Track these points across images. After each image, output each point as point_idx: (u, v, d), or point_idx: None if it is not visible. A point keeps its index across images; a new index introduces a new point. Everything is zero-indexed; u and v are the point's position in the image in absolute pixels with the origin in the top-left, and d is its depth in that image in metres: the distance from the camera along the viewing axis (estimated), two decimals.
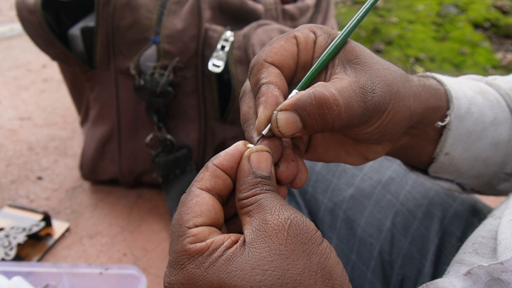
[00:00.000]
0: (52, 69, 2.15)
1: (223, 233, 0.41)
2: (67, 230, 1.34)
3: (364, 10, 0.49)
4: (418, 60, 2.46)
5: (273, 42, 0.47)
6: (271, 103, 0.43)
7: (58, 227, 1.34)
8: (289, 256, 0.37)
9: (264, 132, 0.44)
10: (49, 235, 1.31)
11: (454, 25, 2.69)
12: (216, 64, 1.18)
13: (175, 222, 0.40)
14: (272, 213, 0.39)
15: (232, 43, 1.19)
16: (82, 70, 1.31)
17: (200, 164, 1.36)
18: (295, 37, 0.47)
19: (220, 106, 1.26)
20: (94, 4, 1.22)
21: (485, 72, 2.34)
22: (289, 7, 1.38)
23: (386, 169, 0.81)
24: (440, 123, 0.55)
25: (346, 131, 0.49)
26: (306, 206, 0.84)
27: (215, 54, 1.19)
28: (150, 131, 1.31)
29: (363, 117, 0.45)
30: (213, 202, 0.41)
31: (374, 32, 2.60)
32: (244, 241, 0.39)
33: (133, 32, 1.21)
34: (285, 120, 0.43)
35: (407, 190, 0.78)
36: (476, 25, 2.70)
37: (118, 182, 1.47)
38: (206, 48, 1.21)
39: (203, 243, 0.38)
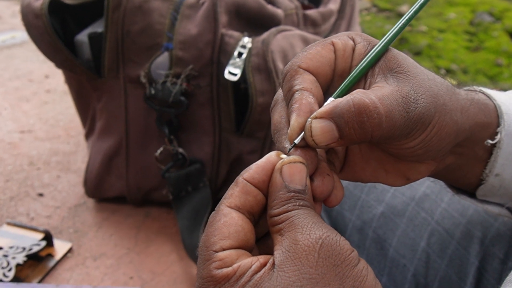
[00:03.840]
0: (55, 80, 2.18)
1: (254, 254, 0.41)
2: (70, 250, 1.35)
3: (408, 17, 0.50)
4: (449, 72, 2.46)
5: (309, 48, 0.48)
6: (304, 110, 0.44)
7: (60, 247, 1.34)
8: (320, 280, 0.37)
9: (296, 141, 0.44)
10: (50, 255, 1.31)
11: (488, 34, 2.68)
12: (232, 72, 1.19)
13: (202, 245, 0.41)
14: (303, 232, 0.39)
15: (250, 49, 1.20)
16: (89, 79, 1.33)
17: (214, 180, 1.36)
18: (333, 44, 0.48)
19: (236, 117, 1.27)
20: (102, 9, 1.24)
21: None
22: (311, 12, 1.39)
23: (420, 184, 0.80)
24: (490, 141, 0.55)
25: (386, 145, 0.49)
26: (332, 224, 0.83)
27: (231, 61, 1.20)
28: (161, 144, 1.32)
29: (405, 129, 0.45)
30: (243, 222, 0.41)
31: (402, 42, 2.60)
32: (274, 263, 0.39)
33: (145, 38, 1.23)
34: (320, 128, 0.43)
35: (443, 207, 0.77)
36: None
37: (125, 199, 1.47)
38: (222, 55, 1.22)
39: (230, 269, 0.39)
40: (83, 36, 1.32)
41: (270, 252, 0.42)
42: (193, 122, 1.29)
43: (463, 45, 2.63)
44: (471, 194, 0.62)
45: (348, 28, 1.54)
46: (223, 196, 0.43)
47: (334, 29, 1.49)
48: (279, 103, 0.49)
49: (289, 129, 0.44)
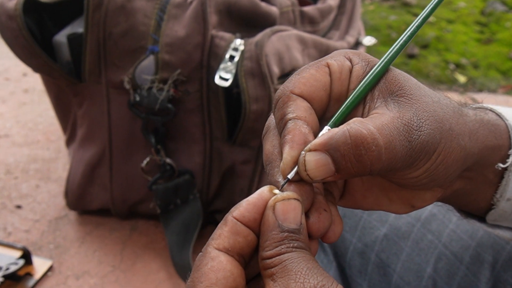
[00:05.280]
0: (34, 78, 2.17)
1: None
2: (50, 268, 1.34)
3: (410, 32, 0.49)
4: (459, 67, 2.46)
5: (302, 71, 0.47)
6: (298, 142, 0.43)
7: (40, 265, 1.34)
8: None
9: (290, 176, 0.43)
10: (29, 274, 1.31)
11: (501, 25, 2.68)
12: (223, 77, 1.18)
13: None
14: (296, 280, 0.38)
15: (243, 52, 1.19)
16: (69, 84, 1.32)
17: (205, 192, 1.36)
18: (328, 65, 0.47)
19: (228, 125, 1.26)
20: (82, 6, 1.23)
21: None
22: (309, 9, 1.38)
23: None
24: (501, 165, 0.54)
25: (388, 175, 0.49)
26: (331, 247, 0.83)
27: (222, 65, 1.19)
28: (147, 154, 1.31)
29: (408, 159, 0.44)
30: (232, 266, 0.40)
31: None
32: None
33: (128, 40, 1.22)
34: (314, 162, 0.42)
35: (451, 228, 0.77)
36: None
37: (109, 212, 1.47)
38: (212, 58, 1.21)
39: None
40: (61, 37, 1.31)
41: None
42: (182, 130, 1.29)
43: (473, 37, 2.63)
44: (481, 218, 0.62)
45: (349, 25, 1.53)
46: (211, 237, 0.42)
47: (333, 26, 1.49)
48: (271, 131, 0.48)
49: (281, 163, 0.44)
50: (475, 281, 0.72)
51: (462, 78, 2.39)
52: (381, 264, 0.78)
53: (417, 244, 0.77)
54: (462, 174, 0.53)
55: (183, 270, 1.27)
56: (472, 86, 2.36)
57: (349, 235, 0.81)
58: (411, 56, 2.48)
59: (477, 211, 0.61)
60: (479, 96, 2.28)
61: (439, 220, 0.78)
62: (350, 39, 1.50)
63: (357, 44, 1.55)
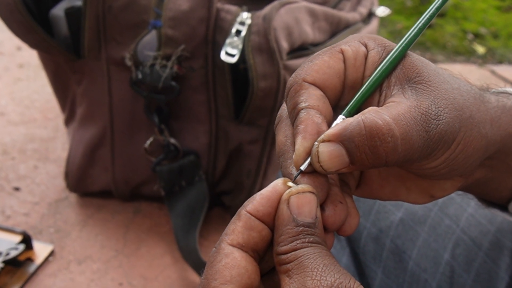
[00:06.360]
0: (29, 53, 2.16)
1: None
2: (51, 253, 1.36)
3: (429, 15, 0.49)
4: (477, 36, 2.44)
5: (314, 57, 0.47)
6: (311, 133, 0.44)
7: (40, 250, 1.36)
8: None
9: (302, 168, 0.44)
10: (29, 259, 1.33)
11: None
12: (230, 53, 1.18)
13: None
14: (313, 277, 0.39)
15: (250, 26, 1.19)
16: (67, 60, 1.32)
17: (211, 173, 1.37)
18: (342, 51, 0.47)
19: (235, 103, 1.27)
20: None
21: None
22: None
23: None
24: None
25: (405, 166, 0.49)
26: None
27: (228, 40, 1.19)
28: (150, 134, 1.32)
29: (425, 150, 0.44)
30: (246, 263, 0.41)
31: (423, 2, 2.58)
32: None
33: (129, 14, 1.22)
34: (328, 153, 0.43)
35: (470, 213, 0.77)
36: None
37: (111, 194, 1.48)
38: (217, 33, 1.21)
39: None
40: (59, 11, 1.31)
41: None
42: (186, 109, 1.29)
43: (493, 5, 2.60)
44: (503, 207, 0.63)
45: None
46: (224, 232, 0.43)
47: None
48: (284, 121, 0.48)
49: (294, 154, 0.44)
50: (494, 267, 0.73)
51: (481, 49, 2.37)
52: (397, 250, 0.78)
53: (434, 229, 0.77)
54: (484, 163, 0.53)
55: (189, 254, 1.29)
56: (492, 57, 2.34)
57: (363, 220, 0.82)
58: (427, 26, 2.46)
59: (499, 200, 0.61)
60: (499, 68, 2.26)
61: (457, 204, 0.78)
62: (363, 9, 1.49)
63: (370, 15, 1.54)
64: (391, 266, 0.79)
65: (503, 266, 0.73)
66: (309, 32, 1.27)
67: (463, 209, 0.78)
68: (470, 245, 0.75)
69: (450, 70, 0.50)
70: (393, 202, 0.81)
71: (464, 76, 0.52)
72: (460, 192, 0.77)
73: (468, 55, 2.35)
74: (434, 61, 2.28)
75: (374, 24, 1.52)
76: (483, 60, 2.32)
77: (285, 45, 1.19)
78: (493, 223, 0.75)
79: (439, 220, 0.78)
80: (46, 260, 1.35)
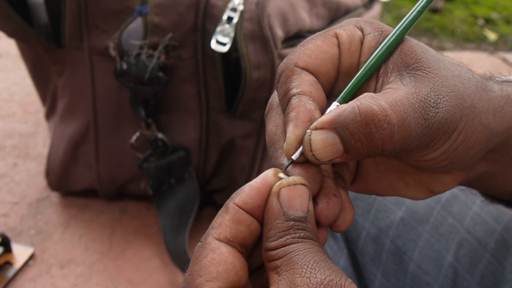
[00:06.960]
0: (7, 42, 2.15)
1: None
2: (32, 257, 1.37)
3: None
4: (488, 22, 2.44)
5: (307, 41, 0.47)
6: (303, 120, 0.44)
7: (20, 253, 1.36)
8: None
9: (294, 157, 0.44)
10: (8, 263, 1.33)
11: None
12: (221, 42, 1.18)
13: (186, 286, 0.41)
14: (302, 275, 0.39)
15: (242, 13, 1.19)
16: (47, 50, 1.32)
17: (202, 170, 1.37)
18: (336, 35, 0.47)
19: (226, 95, 1.27)
20: None
21: None
22: None
23: None
24: None
25: (402, 157, 0.50)
26: (342, 233, 0.84)
27: (219, 28, 1.19)
28: (136, 128, 1.32)
29: (424, 139, 0.45)
30: (233, 259, 0.41)
31: None
32: None
33: (112, 0, 1.22)
34: (321, 141, 0.43)
35: (475, 211, 0.78)
36: None
37: (95, 193, 1.48)
38: (207, 20, 1.21)
39: None
40: None
41: (266, 286, 0.42)
42: (175, 101, 1.29)
43: None
44: (508, 202, 0.63)
45: None
46: (211, 225, 0.43)
47: None
48: (274, 109, 0.49)
49: (285, 143, 0.44)
50: (500, 269, 0.73)
51: (492, 35, 2.37)
52: (397, 251, 0.79)
53: (437, 229, 0.78)
54: (486, 156, 0.53)
55: (179, 257, 1.29)
56: (504, 44, 2.35)
57: (362, 219, 0.82)
58: (435, 11, 2.46)
59: (503, 195, 0.62)
60: (511, 56, 2.27)
61: (461, 202, 0.78)
62: None
63: (371, 0, 1.54)
64: (391, 268, 0.79)
65: (509, 268, 0.73)
66: (306, 18, 1.27)
67: (468, 207, 0.78)
68: (474, 245, 0.75)
69: (450, 57, 0.50)
70: (394, 200, 0.81)
71: (473, 65, 0.52)
72: (463, 187, 0.78)
73: (478, 42, 2.35)
74: (442, 48, 2.28)
75: (376, 9, 1.53)
76: (495, 47, 2.32)
77: (279, 32, 1.19)
78: (499, 222, 0.76)
79: (442, 219, 0.78)
80: (26, 264, 1.35)
